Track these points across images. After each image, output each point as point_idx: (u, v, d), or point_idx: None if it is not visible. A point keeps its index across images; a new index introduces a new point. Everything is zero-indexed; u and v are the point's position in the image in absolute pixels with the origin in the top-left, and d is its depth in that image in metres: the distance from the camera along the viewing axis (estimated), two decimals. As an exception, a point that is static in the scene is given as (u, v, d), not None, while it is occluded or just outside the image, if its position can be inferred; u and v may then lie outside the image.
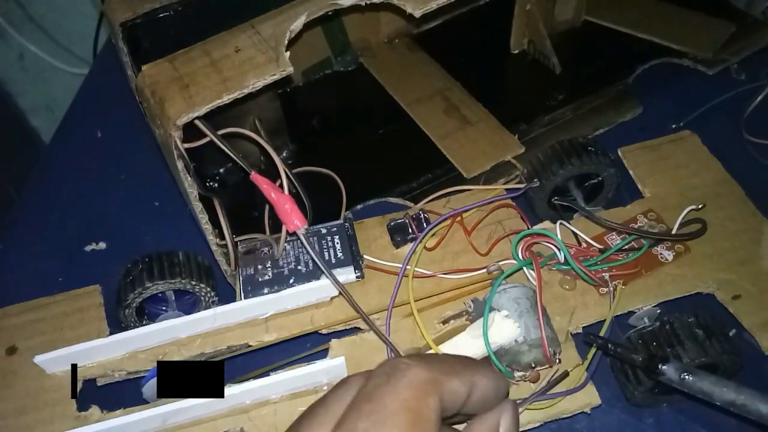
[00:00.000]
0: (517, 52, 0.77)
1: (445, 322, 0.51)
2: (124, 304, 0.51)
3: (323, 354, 0.50)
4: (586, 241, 0.52)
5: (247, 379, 0.47)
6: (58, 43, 1.13)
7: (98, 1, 0.58)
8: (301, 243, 0.50)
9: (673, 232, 0.52)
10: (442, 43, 0.78)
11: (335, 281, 0.47)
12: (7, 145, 1.11)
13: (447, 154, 0.64)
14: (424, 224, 0.55)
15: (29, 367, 0.49)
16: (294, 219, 0.48)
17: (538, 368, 0.46)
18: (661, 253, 0.52)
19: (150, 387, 0.47)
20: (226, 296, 0.54)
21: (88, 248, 0.65)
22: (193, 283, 0.52)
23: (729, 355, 0.46)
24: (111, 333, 0.51)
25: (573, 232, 0.52)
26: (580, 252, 0.52)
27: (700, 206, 0.53)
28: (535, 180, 0.56)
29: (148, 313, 0.54)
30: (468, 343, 0.46)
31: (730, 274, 0.51)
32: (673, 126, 0.66)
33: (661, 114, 0.69)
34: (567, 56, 0.74)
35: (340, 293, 0.49)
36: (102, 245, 0.65)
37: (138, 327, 0.50)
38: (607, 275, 0.51)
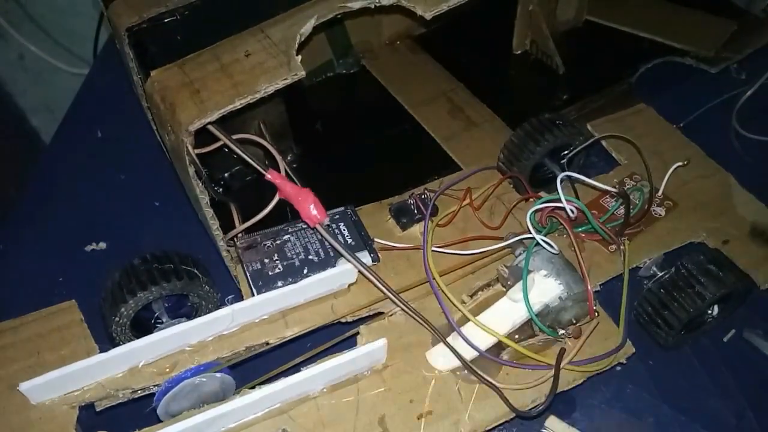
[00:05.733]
0: (519, 52, 0.78)
1: (473, 294, 0.51)
2: (112, 325, 0.47)
3: (337, 347, 0.48)
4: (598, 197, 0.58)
5: (274, 377, 0.45)
6: (58, 43, 1.12)
7: (98, 1, 0.58)
8: (320, 235, 0.49)
9: (662, 187, 0.58)
10: (444, 45, 0.78)
11: (361, 264, 0.47)
12: (7, 145, 1.10)
13: (453, 155, 0.64)
14: (429, 203, 0.55)
15: (7, 399, 0.45)
16: (314, 212, 0.48)
17: (578, 324, 0.48)
18: (654, 210, 0.57)
19: (166, 402, 0.44)
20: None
21: (88, 248, 0.65)
22: (179, 284, 0.48)
23: (741, 281, 0.50)
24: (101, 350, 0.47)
25: (592, 185, 0.54)
26: (581, 217, 0.53)
27: (685, 162, 0.58)
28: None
29: (144, 326, 0.51)
30: (510, 308, 0.47)
31: (714, 222, 0.56)
32: (674, 126, 0.66)
33: (664, 113, 0.69)
34: (570, 56, 0.74)
35: (360, 278, 0.49)
36: (102, 245, 0.65)
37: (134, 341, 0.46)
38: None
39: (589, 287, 0.47)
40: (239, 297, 0.52)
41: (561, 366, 0.46)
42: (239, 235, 0.52)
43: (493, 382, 0.45)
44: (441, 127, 0.67)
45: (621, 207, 0.54)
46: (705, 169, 0.60)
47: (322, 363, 0.45)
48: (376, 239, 0.53)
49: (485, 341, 0.46)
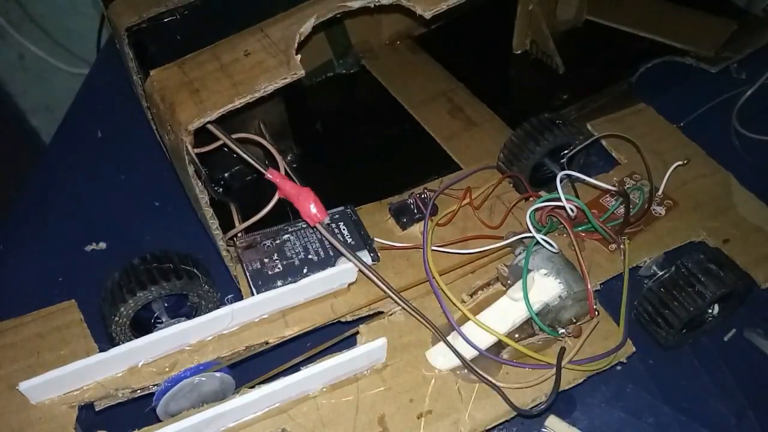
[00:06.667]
0: (519, 52, 0.78)
1: (473, 293, 0.51)
2: (112, 325, 0.48)
3: (337, 346, 0.48)
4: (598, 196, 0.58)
5: (274, 377, 0.45)
6: (58, 43, 1.12)
7: (98, 1, 0.58)
8: (320, 233, 0.49)
9: (662, 186, 0.58)
10: (444, 45, 0.78)
11: (361, 263, 0.47)
12: (7, 145, 1.11)
13: (453, 155, 0.64)
14: (429, 203, 0.55)
15: (6, 399, 0.45)
16: (314, 211, 0.48)
17: (579, 323, 0.48)
18: (654, 209, 0.57)
19: (166, 402, 0.44)
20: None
21: (88, 248, 0.65)
22: (179, 283, 0.48)
23: (742, 280, 0.50)
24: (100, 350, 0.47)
25: (592, 185, 0.54)
26: (581, 216, 0.53)
27: (685, 161, 0.58)
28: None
29: (144, 326, 0.51)
30: (510, 307, 0.47)
31: (714, 222, 0.56)
32: (674, 125, 0.66)
33: (664, 112, 0.69)
34: (570, 56, 0.74)
35: (360, 277, 0.49)
36: (102, 245, 0.65)
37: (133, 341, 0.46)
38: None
39: (589, 286, 0.47)
40: (239, 296, 0.52)
41: (562, 365, 0.46)
42: (239, 234, 0.52)
43: (494, 381, 0.45)
44: (441, 127, 0.67)
45: (621, 206, 0.54)
46: (705, 168, 0.61)
47: (322, 362, 0.45)
48: (375, 239, 0.53)
49: (485, 340, 0.46)
